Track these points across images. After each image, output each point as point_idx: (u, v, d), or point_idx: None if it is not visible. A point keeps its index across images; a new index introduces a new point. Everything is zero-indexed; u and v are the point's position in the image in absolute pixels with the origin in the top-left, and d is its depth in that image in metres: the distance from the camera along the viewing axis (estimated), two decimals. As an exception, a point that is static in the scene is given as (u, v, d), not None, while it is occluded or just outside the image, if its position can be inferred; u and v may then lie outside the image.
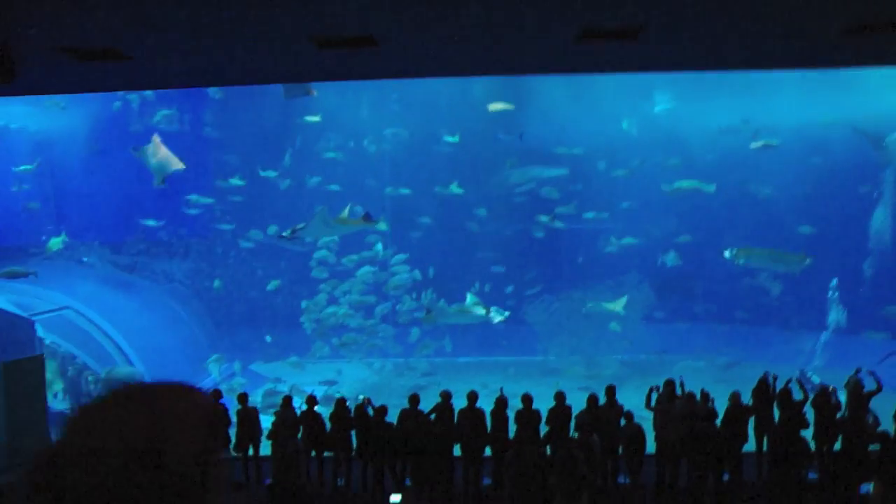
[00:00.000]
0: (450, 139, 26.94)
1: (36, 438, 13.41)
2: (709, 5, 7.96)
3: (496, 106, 25.60)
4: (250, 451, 12.52)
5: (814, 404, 11.72)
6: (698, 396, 11.57)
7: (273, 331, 27.23)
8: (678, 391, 11.72)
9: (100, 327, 22.00)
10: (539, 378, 22.77)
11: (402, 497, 7.69)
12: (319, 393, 18.88)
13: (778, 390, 11.78)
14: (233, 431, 12.43)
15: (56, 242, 23.35)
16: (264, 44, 9.24)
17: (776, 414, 11.58)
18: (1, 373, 12.81)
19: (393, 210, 27.44)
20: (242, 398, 12.67)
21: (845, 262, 24.47)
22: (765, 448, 11.69)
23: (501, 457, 11.53)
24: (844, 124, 24.41)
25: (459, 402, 11.90)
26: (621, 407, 11.72)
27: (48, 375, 14.95)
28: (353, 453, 11.90)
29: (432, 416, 11.72)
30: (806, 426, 11.59)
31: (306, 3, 7.44)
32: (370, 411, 11.86)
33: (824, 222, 25.60)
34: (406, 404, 11.88)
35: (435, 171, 27.12)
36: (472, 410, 11.74)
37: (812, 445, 11.63)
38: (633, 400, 12.14)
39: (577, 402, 11.84)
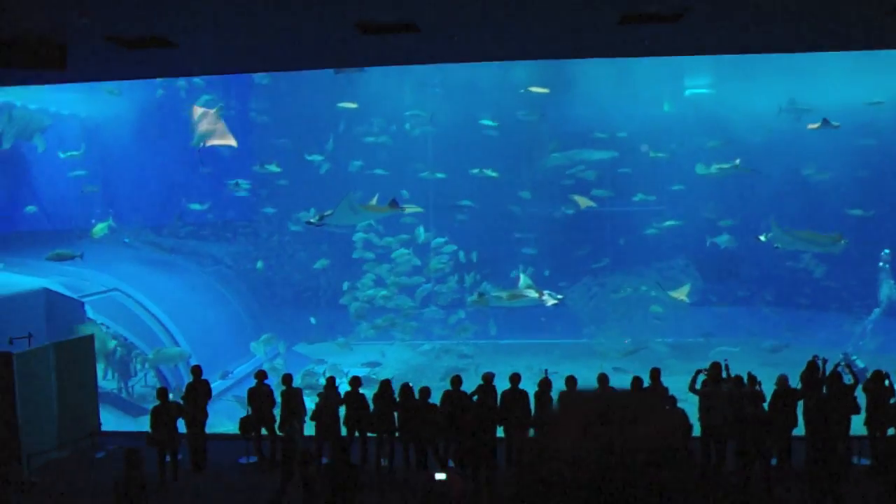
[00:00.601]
0: (488, 123, 26.83)
1: (86, 417, 13.78)
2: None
3: (535, 89, 25.46)
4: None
5: (865, 389, 11.53)
6: (745, 380, 11.45)
7: (317, 312, 27.52)
8: (724, 374, 11.62)
9: (147, 309, 22.45)
10: (584, 360, 22.73)
11: (447, 476, 7.75)
12: (361, 374, 19.09)
13: (828, 374, 11.63)
14: (277, 411, 12.64)
15: (102, 228, 23.81)
16: (309, 30, 9.33)
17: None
18: (52, 352, 13.14)
19: (435, 193, 27.49)
20: (287, 379, 12.86)
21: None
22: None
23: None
24: (892, 105, 23.80)
25: (503, 385, 11.94)
26: (666, 389, 11.66)
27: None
28: (397, 434, 12.02)
29: (475, 398, 11.78)
30: (857, 411, 11.43)
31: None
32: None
33: (876, 205, 25.08)
34: (448, 386, 11.97)
35: (477, 154, 27.03)
36: (515, 392, 11.79)
37: (865, 431, 11.50)
38: (679, 383, 12.04)
39: (622, 385, 11.82)
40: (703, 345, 23.67)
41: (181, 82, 26.01)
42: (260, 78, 27.02)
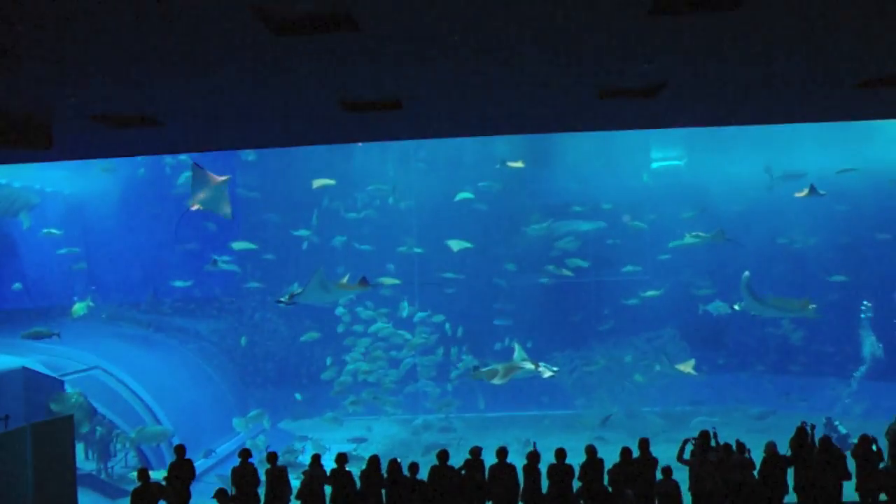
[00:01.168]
0: (466, 196, 26.91)
1: (63, 501, 13.42)
2: (725, 65, 8.12)
3: (511, 164, 25.76)
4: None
5: (854, 454, 11.49)
6: (733, 447, 11.41)
7: (301, 388, 27.23)
8: (712, 442, 11.57)
9: (129, 387, 22.12)
10: (572, 432, 22.56)
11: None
12: (347, 449, 18.79)
13: (817, 440, 11.61)
14: (262, 491, 12.40)
15: (81, 307, 23.68)
16: (294, 108, 9.52)
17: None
18: (30, 434, 12.87)
19: (420, 267, 27.60)
20: (272, 457, 12.66)
21: (878, 308, 24.29)
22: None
23: (534, 513, 11.42)
24: (863, 172, 24.33)
25: (491, 458, 11.82)
26: (656, 460, 11.58)
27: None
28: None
29: (462, 472, 11.63)
30: (848, 478, 11.37)
31: (337, 69, 7.69)
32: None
33: (855, 270, 25.45)
34: (434, 461, 11.82)
35: (461, 227, 27.19)
36: (502, 466, 11.66)
37: (856, 497, 11.42)
38: (668, 452, 11.97)
39: (609, 455, 11.73)
40: (691, 413, 23.69)
41: (168, 159, 26.20)
42: (246, 154, 27.31)
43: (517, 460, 11.90)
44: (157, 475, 13.88)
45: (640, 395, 25.11)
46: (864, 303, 24.03)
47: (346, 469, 12.09)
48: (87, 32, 6.33)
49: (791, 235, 26.69)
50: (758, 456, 11.37)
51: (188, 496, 12.44)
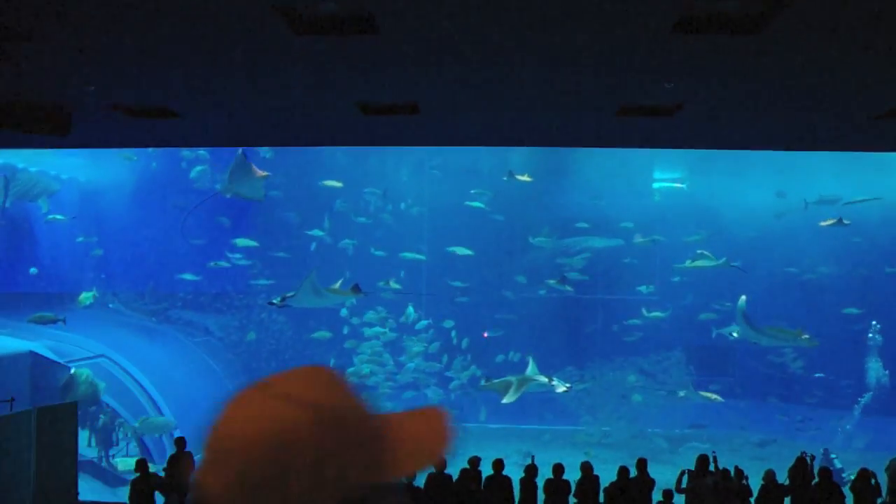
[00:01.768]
0: (477, 205, 27.01)
1: (64, 486, 13.48)
2: (743, 89, 8.12)
3: (520, 177, 25.73)
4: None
5: (852, 488, 11.42)
6: (732, 473, 11.36)
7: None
8: (711, 467, 11.52)
9: (133, 377, 22.21)
10: (571, 448, 22.50)
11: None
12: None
13: (816, 471, 11.55)
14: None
15: (87, 297, 23.81)
16: (310, 108, 9.55)
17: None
18: (34, 417, 12.94)
19: (427, 274, 27.57)
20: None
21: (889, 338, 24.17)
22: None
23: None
24: (881, 204, 24.17)
25: (488, 470, 11.80)
26: (653, 480, 11.54)
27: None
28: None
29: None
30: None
31: (354, 70, 7.72)
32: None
33: (870, 303, 25.31)
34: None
35: (472, 236, 27.18)
36: (498, 478, 11.63)
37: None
38: (666, 475, 11.93)
39: (606, 474, 11.70)
40: (691, 436, 23.58)
41: (185, 153, 26.33)
42: (264, 152, 27.46)
43: (516, 472, 11.89)
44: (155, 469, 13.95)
45: (641, 415, 25.00)
46: (873, 323, 23.75)
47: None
48: (107, 22, 6.38)
49: (803, 264, 26.52)
50: (756, 483, 11.32)
51: (188, 488, 12.44)
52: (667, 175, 29.11)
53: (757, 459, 17.23)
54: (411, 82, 8.17)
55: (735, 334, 21.14)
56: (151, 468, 12.39)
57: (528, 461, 12.04)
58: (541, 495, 11.48)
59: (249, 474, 1.26)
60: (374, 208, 28.14)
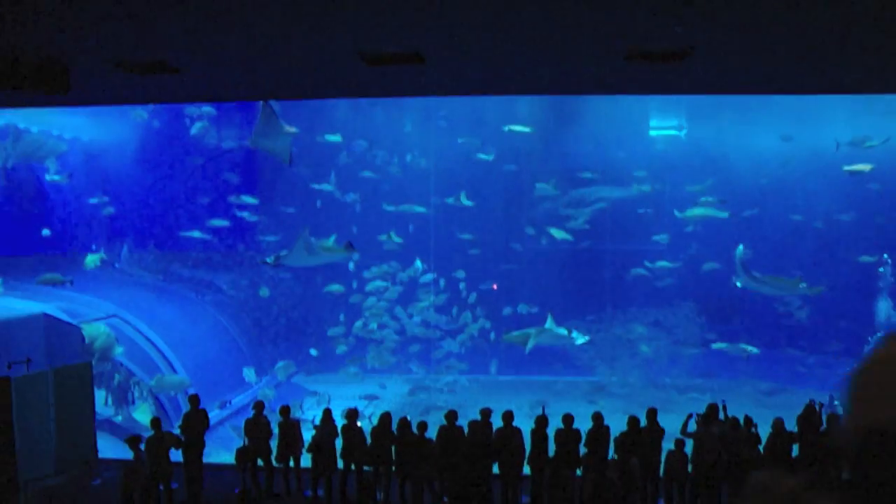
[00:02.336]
0: (484, 157, 26.78)
1: (84, 443, 13.65)
2: (754, 29, 7.90)
3: (516, 128, 25.47)
4: (291, 463, 12.61)
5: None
6: (741, 422, 11.37)
7: (317, 344, 27.37)
8: (721, 416, 11.53)
9: (146, 336, 22.35)
10: (583, 398, 22.69)
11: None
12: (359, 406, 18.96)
13: (825, 418, 11.55)
14: (274, 443, 12.54)
15: (93, 259, 23.85)
16: (311, 59, 9.37)
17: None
18: (51, 378, 13.06)
19: (435, 226, 27.48)
20: (284, 411, 12.77)
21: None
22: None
23: (540, 476, 11.46)
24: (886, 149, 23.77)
25: (499, 421, 11.86)
26: (662, 430, 11.57)
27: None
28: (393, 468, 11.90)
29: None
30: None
31: (356, 19, 7.53)
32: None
33: (889, 250, 25.09)
34: (443, 420, 11.88)
35: (480, 188, 27.03)
36: (508, 429, 11.68)
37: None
38: (676, 424, 11.95)
39: (616, 424, 11.75)
40: (701, 385, 23.65)
41: (190, 109, 26.11)
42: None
43: (527, 424, 11.94)
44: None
45: (651, 365, 25.08)
46: (884, 256, 23.53)
47: (357, 425, 12.18)
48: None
49: (815, 213, 26.22)
50: (764, 432, 11.34)
51: (203, 445, 12.60)
52: (665, 123, 28.73)
53: (765, 407, 17.29)
54: (414, 28, 7.98)
55: (739, 284, 21.07)
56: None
57: (539, 412, 12.08)
58: (552, 446, 11.53)
59: None
60: (380, 161, 27.94)
